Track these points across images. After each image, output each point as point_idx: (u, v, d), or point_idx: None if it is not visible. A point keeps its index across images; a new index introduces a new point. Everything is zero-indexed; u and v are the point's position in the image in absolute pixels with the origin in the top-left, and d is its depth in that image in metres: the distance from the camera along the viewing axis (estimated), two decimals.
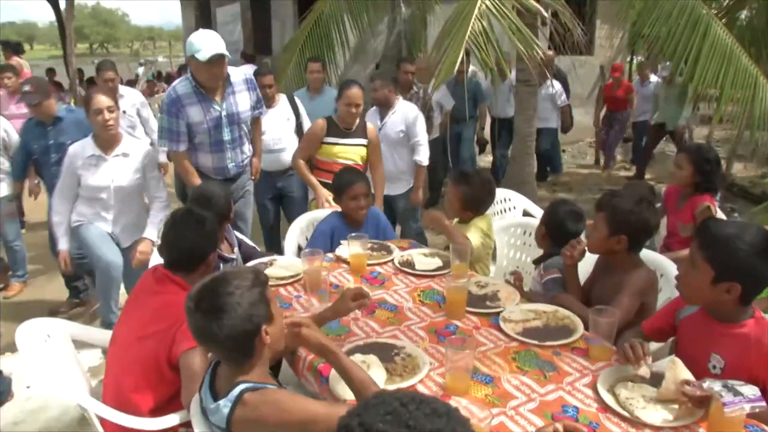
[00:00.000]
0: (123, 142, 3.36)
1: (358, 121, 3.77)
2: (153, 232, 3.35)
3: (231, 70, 3.38)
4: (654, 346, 2.12)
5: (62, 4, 13.98)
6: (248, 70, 4.19)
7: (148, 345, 1.95)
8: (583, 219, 2.55)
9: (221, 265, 2.60)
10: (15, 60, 8.77)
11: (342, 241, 2.74)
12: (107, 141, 3.29)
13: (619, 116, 8.00)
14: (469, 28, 4.37)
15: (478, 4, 4.49)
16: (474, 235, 2.70)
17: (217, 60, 3.16)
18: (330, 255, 2.72)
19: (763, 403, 1.44)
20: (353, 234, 2.57)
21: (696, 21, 4.98)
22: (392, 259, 2.64)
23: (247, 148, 3.63)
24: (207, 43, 3.14)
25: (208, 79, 3.24)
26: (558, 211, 2.55)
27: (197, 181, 3.39)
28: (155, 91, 9.89)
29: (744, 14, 7.20)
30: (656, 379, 1.64)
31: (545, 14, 5.04)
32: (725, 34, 5.06)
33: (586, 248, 2.31)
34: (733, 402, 1.42)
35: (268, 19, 12.31)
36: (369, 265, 2.57)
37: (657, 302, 2.28)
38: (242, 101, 3.44)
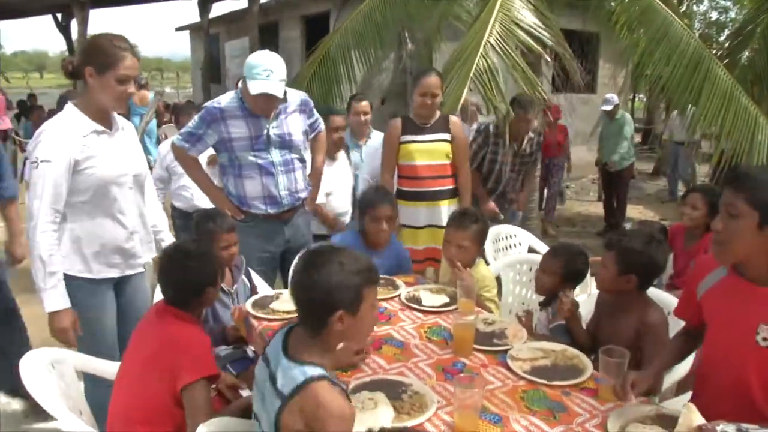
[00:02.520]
0: (114, 115, 2.46)
1: (438, 114, 3.49)
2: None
3: (288, 90, 3.03)
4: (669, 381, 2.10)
5: (73, 35, 14.26)
6: None
7: (152, 380, 1.94)
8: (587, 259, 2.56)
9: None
10: None
11: None
12: (107, 116, 2.39)
13: (557, 162, 7.39)
14: (474, 65, 4.45)
15: (483, 42, 4.58)
16: (485, 267, 2.75)
17: (265, 97, 2.84)
18: None
19: None
20: None
21: (697, 62, 5.08)
22: (399, 295, 2.63)
23: (302, 176, 3.18)
24: (262, 75, 2.81)
25: (254, 108, 2.95)
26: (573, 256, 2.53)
27: (199, 173, 3.13)
28: (163, 122, 9.97)
29: (746, 54, 7.33)
30: (667, 422, 1.63)
31: (548, 58, 5.12)
32: (725, 75, 5.15)
33: (576, 299, 2.31)
34: None
35: (276, 53, 12.45)
36: None
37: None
38: (293, 123, 3.08)
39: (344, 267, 1.48)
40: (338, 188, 3.79)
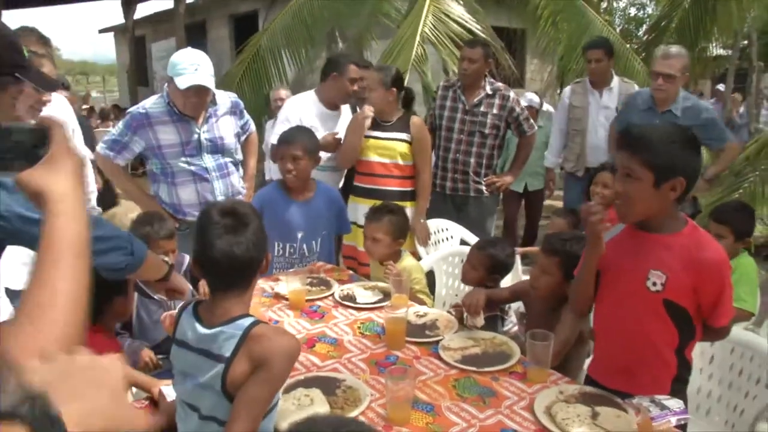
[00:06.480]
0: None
1: (401, 113, 3.40)
2: None
3: (217, 92, 3.01)
4: None
5: None
6: None
7: None
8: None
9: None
10: None
11: (281, 277, 2.71)
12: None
13: None
14: (413, 53, 4.59)
15: (419, 30, 4.73)
16: (410, 260, 2.78)
17: (196, 91, 2.79)
18: (269, 290, 2.69)
19: (688, 416, 1.51)
20: (291, 270, 2.54)
21: (618, 57, 5.31)
22: (332, 294, 2.62)
23: (238, 180, 3.13)
24: (189, 69, 2.75)
25: (185, 107, 2.86)
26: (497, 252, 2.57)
27: (127, 183, 3.10)
28: (96, 127, 9.59)
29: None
30: (590, 400, 1.70)
31: None
32: (642, 68, 5.41)
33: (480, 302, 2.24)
34: (660, 416, 1.48)
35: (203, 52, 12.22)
36: (308, 300, 2.54)
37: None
38: (225, 127, 3.03)
39: (256, 213, 1.52)
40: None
